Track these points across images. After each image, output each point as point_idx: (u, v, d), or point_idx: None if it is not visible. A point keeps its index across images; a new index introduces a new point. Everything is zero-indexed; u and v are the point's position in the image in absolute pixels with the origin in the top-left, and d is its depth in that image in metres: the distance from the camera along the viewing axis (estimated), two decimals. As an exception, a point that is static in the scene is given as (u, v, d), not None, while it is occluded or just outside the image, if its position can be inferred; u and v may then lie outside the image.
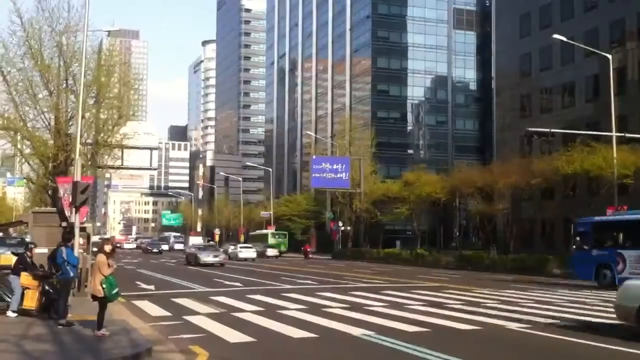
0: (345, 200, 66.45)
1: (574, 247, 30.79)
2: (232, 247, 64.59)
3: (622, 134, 35.42)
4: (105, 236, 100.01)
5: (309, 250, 68.42)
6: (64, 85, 27.38)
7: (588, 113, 52.86)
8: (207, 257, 45.70)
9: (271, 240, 73.05)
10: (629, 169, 37.24)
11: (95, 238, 45.69)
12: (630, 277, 22.65)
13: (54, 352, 10.59)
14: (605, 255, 27.28)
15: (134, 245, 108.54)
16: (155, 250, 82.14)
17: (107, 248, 12.61)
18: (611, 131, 35.16)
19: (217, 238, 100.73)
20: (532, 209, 51.93)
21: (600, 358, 11.02)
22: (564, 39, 41.94)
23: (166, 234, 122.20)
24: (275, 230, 78.21)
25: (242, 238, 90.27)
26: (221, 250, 55.74)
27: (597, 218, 30.04)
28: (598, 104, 50.58)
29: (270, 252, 66.77)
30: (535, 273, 35.75)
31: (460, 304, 18.96)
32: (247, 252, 58.90)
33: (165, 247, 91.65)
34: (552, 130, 34.83)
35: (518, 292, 23.86)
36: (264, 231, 79.12)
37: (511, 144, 61.38)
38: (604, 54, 40.35)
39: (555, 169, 41.41)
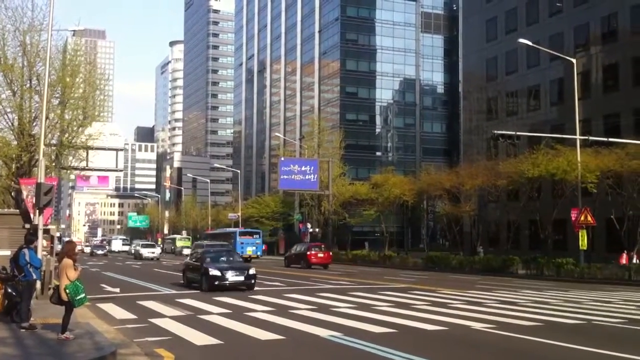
0: (314, 202, 66.44)
1: None
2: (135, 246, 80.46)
3: (586, 137, 35.99)
4: (67, 239, 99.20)
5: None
6: (28, 85, 26.99)
7: (553, 116, 53.70)
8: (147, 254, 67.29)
9: (179, 243, 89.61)
10: (592, 172, 37.86)
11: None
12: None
13: (17, 355, 10.42)
14: None
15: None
16: None
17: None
18: (575, 134, 35.80)
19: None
20: (498, 211, 52.54)
21: (563, 358, 11.18)
22: (530, 43, 42.58)
23: (113, 237, 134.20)
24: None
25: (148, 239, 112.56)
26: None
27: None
28: (563, 108, 51.41)
29: (186, 251, 77.53)
30: (501, 273, 36.29)
31: (426, 305, 19.11)
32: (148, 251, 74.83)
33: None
34: (518, 133, 35.26)
35: (483, 292, 24.13)
36: (174, 236, 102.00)
37: (478, 147, 62.08)
38: (569, 58, 41.08)
39: (520, 171, 41.93)
